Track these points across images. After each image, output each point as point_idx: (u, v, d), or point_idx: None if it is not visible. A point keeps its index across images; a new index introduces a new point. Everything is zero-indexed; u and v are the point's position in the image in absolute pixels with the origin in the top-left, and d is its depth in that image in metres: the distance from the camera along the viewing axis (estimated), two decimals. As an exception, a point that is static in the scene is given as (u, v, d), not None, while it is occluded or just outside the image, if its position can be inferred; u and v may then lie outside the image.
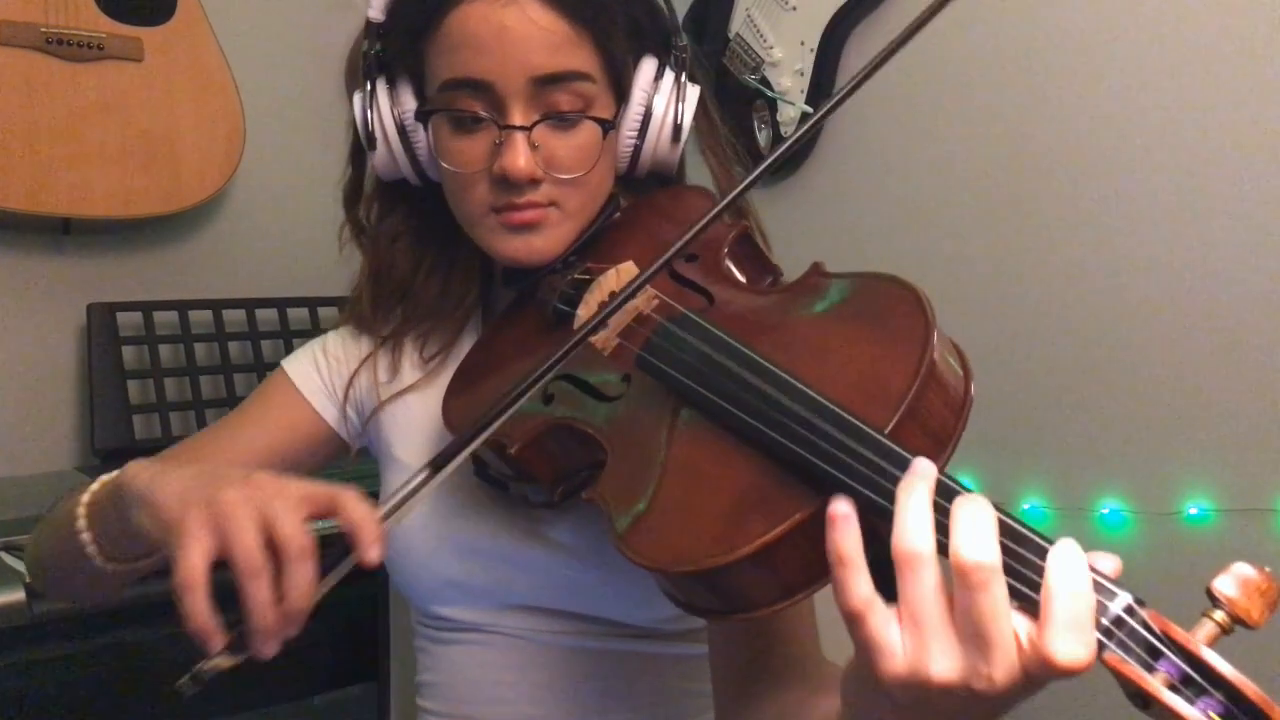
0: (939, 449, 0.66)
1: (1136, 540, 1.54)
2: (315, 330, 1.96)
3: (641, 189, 1.06)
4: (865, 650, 0.58)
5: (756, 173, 0.78)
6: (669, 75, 1.00)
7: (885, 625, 0.57)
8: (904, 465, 0.60)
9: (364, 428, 1.11)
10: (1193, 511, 1.49)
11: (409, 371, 1.09)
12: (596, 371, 0.85)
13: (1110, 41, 1.56)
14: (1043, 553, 0.55)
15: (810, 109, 1.88)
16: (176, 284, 1.96)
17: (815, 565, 0.62)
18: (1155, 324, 1.52)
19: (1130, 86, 1.54)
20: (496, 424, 0.75)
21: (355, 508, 0.70)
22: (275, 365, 1.87)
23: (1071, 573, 0.54)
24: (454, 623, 1.05)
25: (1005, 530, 0.56)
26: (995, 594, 0.54)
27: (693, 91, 1.01)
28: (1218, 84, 1.46)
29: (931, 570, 0.56)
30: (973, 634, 0.55)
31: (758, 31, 1.96)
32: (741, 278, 0.91)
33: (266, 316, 1.96)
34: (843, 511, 0.58)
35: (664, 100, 0.99)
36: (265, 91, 1.98)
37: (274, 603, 0.66)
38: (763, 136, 1.97)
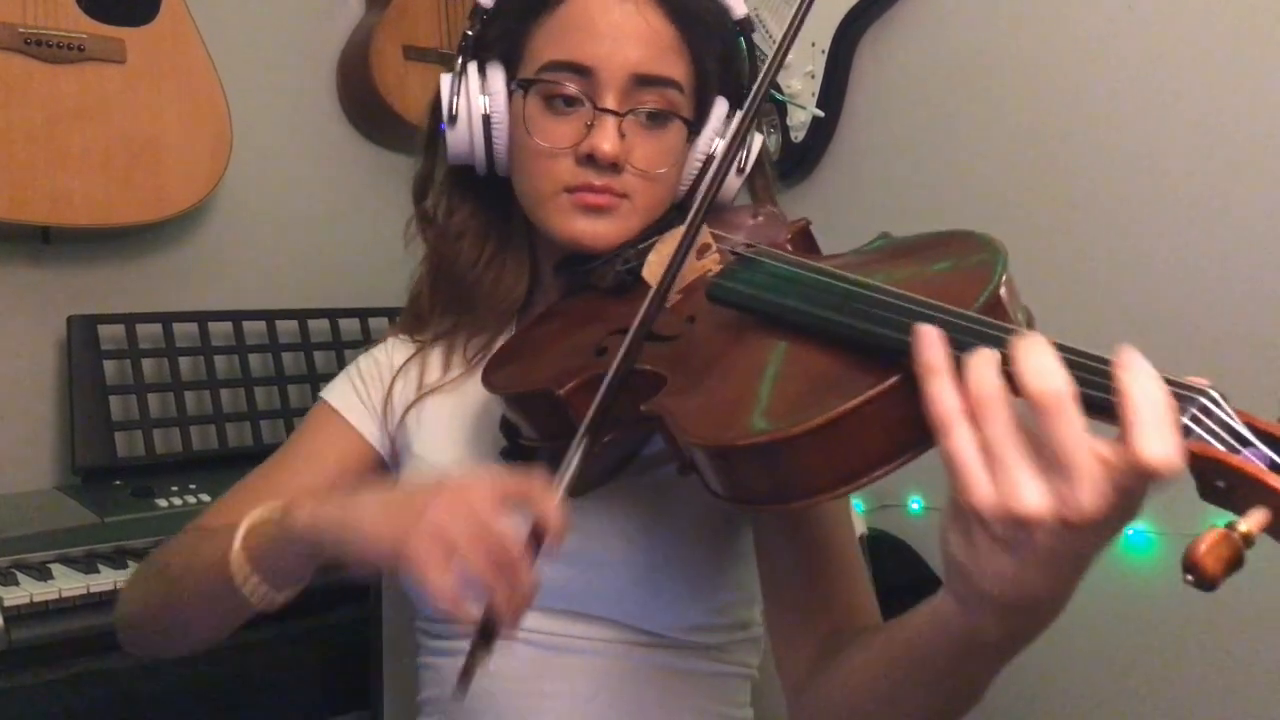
0: None
1: (1162, 561, 1.51)
2: (305, 343, 1.96)
3: None
4: (954, 473, 0.59)
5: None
6: (738, 117, 1.04)
7: (969, 444, 0.59)
8: (984, 329, 0.63)
9: (394, 433, 1.13)
10: (1220, 531, 1.45)
11: (455, 370, 1.13)
12: (658, 322, 0.88)
13: (1130, 44, 1.54)
14: (1106, 370, 0.57)
15: (821, 112, 1.84)
16: (160, 295, 1.93)
17: (873, 450, 0.65)
18: (1173, 334, 1.50)
19: (1151, 90, 1.52)
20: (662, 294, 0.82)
21: (543, 502, 0.76)
22: (262, 380, 1.88)
23: (1141, 374, 0.56)
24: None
25: (1067, 354, 0.58)
26: (1070, 418, 0.56)
27: (757, 139, 1.08)
28: (1255, 77, 1.43)
29: (1003, 409, 0.58)
30: (1055, 462, 0.56)
31: (766, 32, 1.92)
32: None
33: (254, 329, 1.93)
34: (928, 327, 0.62)
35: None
36: (253, 95, 1.96)
37: (512, 596, 0.75)
38: (771, 141, 1.94)
